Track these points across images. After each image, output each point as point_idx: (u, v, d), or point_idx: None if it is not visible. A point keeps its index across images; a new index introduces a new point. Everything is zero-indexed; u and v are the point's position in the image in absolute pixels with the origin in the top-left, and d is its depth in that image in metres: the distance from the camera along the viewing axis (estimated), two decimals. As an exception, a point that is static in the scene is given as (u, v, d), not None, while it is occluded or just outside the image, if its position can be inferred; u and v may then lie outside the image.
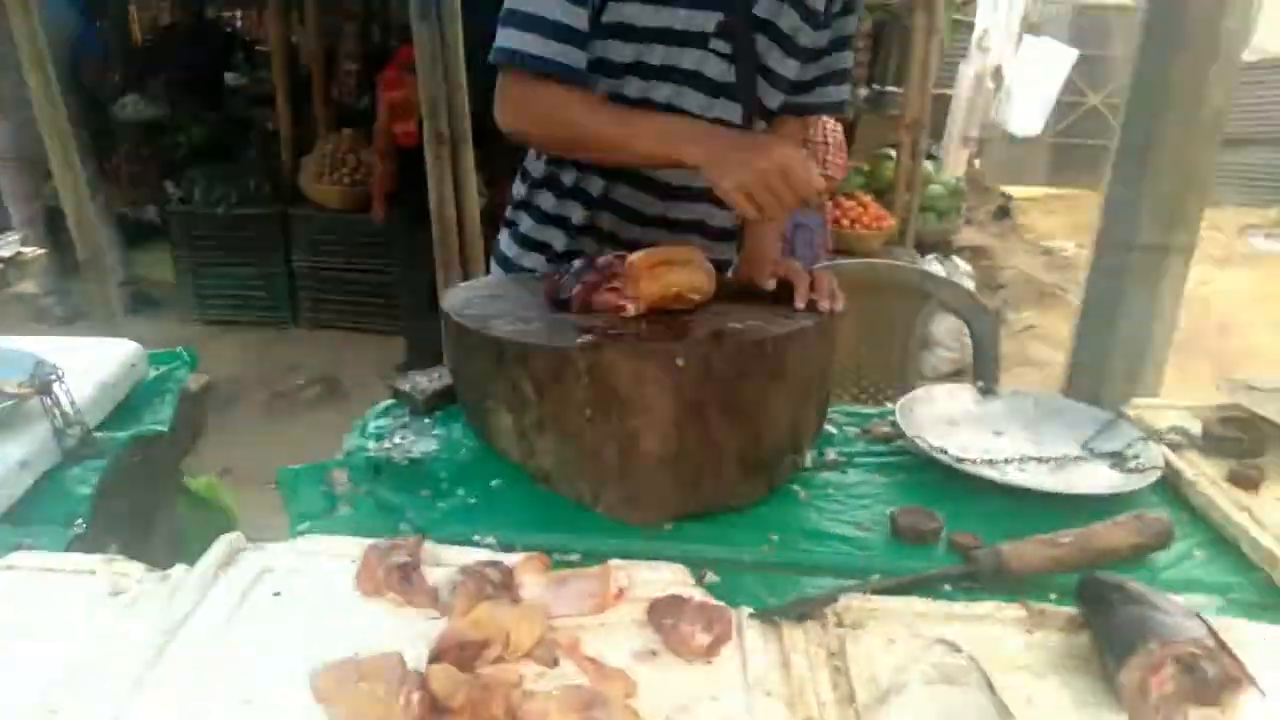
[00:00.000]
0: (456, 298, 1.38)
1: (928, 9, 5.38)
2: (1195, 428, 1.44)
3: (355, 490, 1.19)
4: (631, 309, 1.24)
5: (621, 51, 1.45)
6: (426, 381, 1.48)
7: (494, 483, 1.25)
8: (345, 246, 5.67)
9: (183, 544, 1.60)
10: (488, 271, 1.81)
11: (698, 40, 1.45)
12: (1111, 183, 2.04)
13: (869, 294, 2.13)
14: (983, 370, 1.98)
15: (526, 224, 1.68)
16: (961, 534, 1.17)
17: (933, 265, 5.21)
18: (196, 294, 5.84)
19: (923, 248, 5.78)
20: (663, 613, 0.92)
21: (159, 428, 1.37)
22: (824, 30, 1.57)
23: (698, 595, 0.97)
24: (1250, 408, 1.46)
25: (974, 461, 1.32)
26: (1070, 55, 8.36)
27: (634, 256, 1.25)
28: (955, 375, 4.90)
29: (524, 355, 1.17)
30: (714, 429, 1.17)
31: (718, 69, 1.48)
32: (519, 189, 1.71)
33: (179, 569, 0.96)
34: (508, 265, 1.70)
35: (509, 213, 1.74)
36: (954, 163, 7.23)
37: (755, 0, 1.47)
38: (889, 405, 1.54)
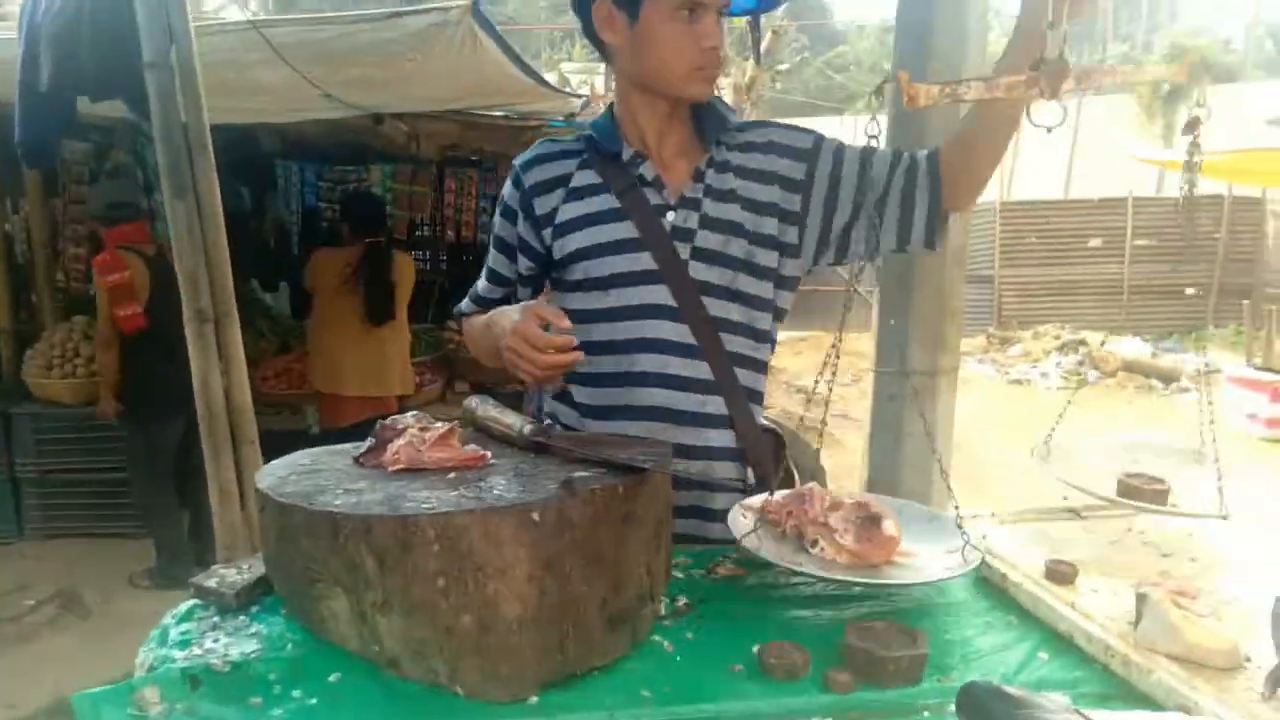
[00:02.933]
0: (271, 476, 1.26)
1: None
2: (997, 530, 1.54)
3: (171, 710, 1.01)
4: None
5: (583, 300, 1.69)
6: (235, 574, 1.32)
7: (332, 677, 1.11)
8: (79, 445, 5.14)
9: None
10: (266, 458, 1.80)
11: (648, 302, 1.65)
12: (880, 315, 2.22)
13: None
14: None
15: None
16: (835, 671, 1.16)
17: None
18: (-105, 515, 5.04)
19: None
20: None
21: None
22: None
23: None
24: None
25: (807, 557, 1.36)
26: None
27: None
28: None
29: (366, 528, 1.07)
30: (574, 582, 1.11)
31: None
32: None
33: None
34: None
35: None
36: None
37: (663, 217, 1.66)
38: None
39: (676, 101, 1.66)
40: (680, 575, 1.45)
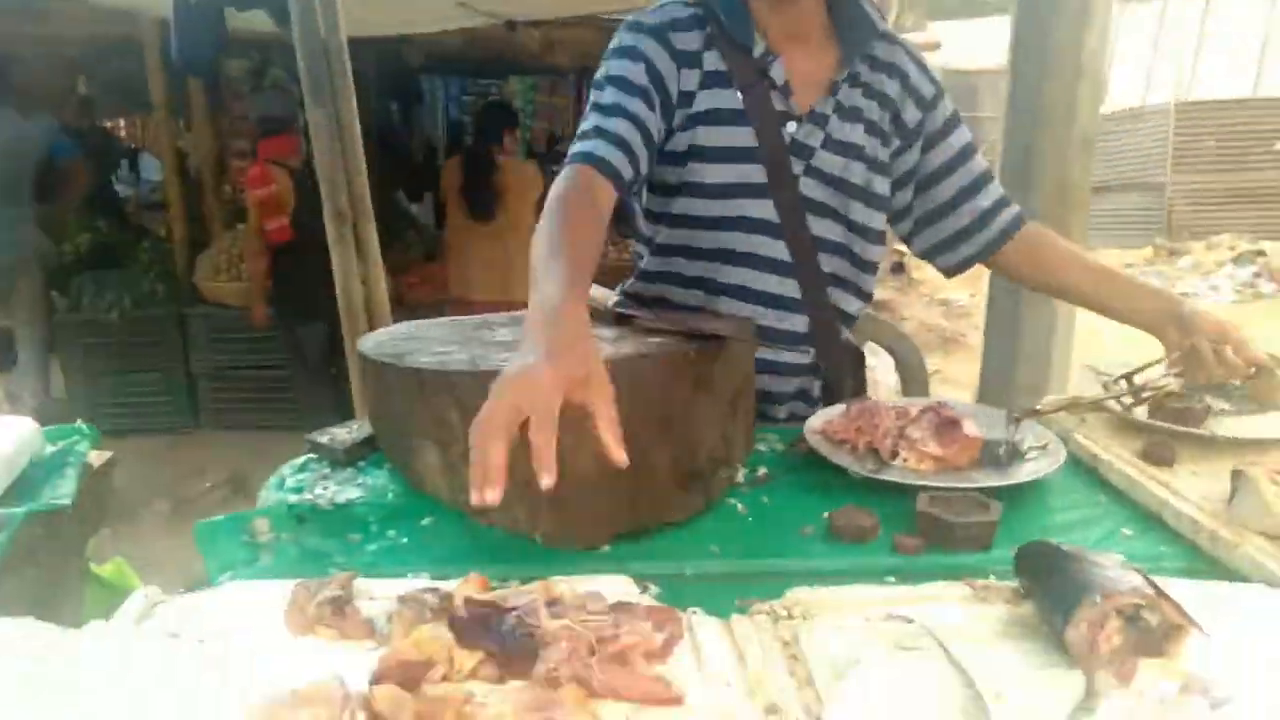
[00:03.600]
0: (372, 341, 1.35)
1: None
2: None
3: (278, 539, 1.13)
4: None
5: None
6: (345, 433, 1.43)
7: (425, 521, 1.21)
8: (246, 344, 5.55)
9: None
10: None
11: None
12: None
13: None
14: (913, 393, 2.03)
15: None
16: (904, 535, 1.17)
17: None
18: (90, 405, 5.59)
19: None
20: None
21: (61, 503, 1.29)
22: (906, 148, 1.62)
23: (645, 601, 0.95)
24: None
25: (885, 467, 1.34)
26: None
27: None
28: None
29: (448, 383, 1.14)
30: (646, 443, 1.15)
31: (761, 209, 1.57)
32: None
33: (93, 625, 0.89)
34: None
35: None
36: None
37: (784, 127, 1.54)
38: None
39: None
40: (764, 449, 1.48)
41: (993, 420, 1.47)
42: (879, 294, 8.79)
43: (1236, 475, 1.17)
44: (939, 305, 9.09)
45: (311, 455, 1.42)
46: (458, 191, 4.99)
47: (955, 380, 6.20)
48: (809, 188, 1.57)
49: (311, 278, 4.15)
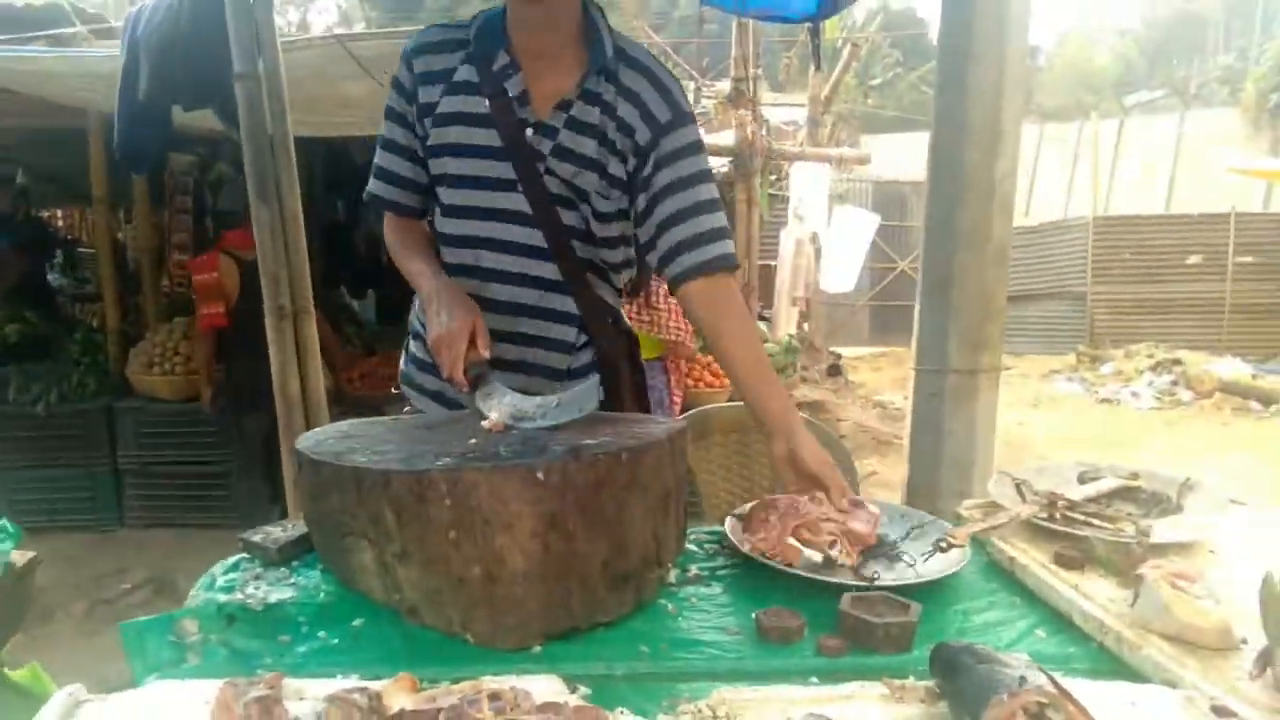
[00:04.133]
0: (310, 439, 1.37)
1: (747, 186, 5.85)
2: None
3: (207, 639, 1.13)
4: None
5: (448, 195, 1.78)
6: (280, 531, 1.44)
7: (356, 622, 1.21)
8: (176, 439, 5.44)
9: (0, 741, 1.44)
10: None
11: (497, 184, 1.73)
12: (921, 314, 2.24)
13: (738, 435, 2.27)
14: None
15: (416, 346, 1.90)
16: (827, 637, 1.20)
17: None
18: (7, 500, 5.39)
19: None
20: None
21: (-22, 602, 1.26)
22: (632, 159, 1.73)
23: (573, 701, 0.96)
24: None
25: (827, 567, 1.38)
26: (874, 220, 9.28)
27: None
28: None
29: (386, 481, 1.16)
30: (578, 541, 1.18)
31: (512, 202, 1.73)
32: (413, 314, 1.90)
33: (9, 728, 0.88)
34: (410, 382, 1.92)
35: (409, 338, 1.95)
36: (785, 323, 7.69)
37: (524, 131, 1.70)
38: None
39: (549, 10, 1.68)
40: (696, 549, 1.51)
41: (909, 520, 1.55)
42: (814, 395, 8.97)
43: (1138, 579, 1.23)
44: (875, 408, 9.28)
45: (244, 554, 1.41)
46: None
47: (889, 483, 6.29)
48: (553, 185, 1.72)
49: (254, 368, 4.12)
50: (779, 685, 1.04)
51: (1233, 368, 10.68)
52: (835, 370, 10.06)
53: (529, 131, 1.70)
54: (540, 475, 1.15)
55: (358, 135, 6.41)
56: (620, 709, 0.96)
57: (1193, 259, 13.46)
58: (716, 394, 5.33)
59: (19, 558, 1.45)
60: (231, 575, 1.36)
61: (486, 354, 1.53)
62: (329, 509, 1.27)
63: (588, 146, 1.70)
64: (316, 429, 1.46)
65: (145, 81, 3.41)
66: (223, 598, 1.26)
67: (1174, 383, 10.60)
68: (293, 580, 1.34)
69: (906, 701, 1.01)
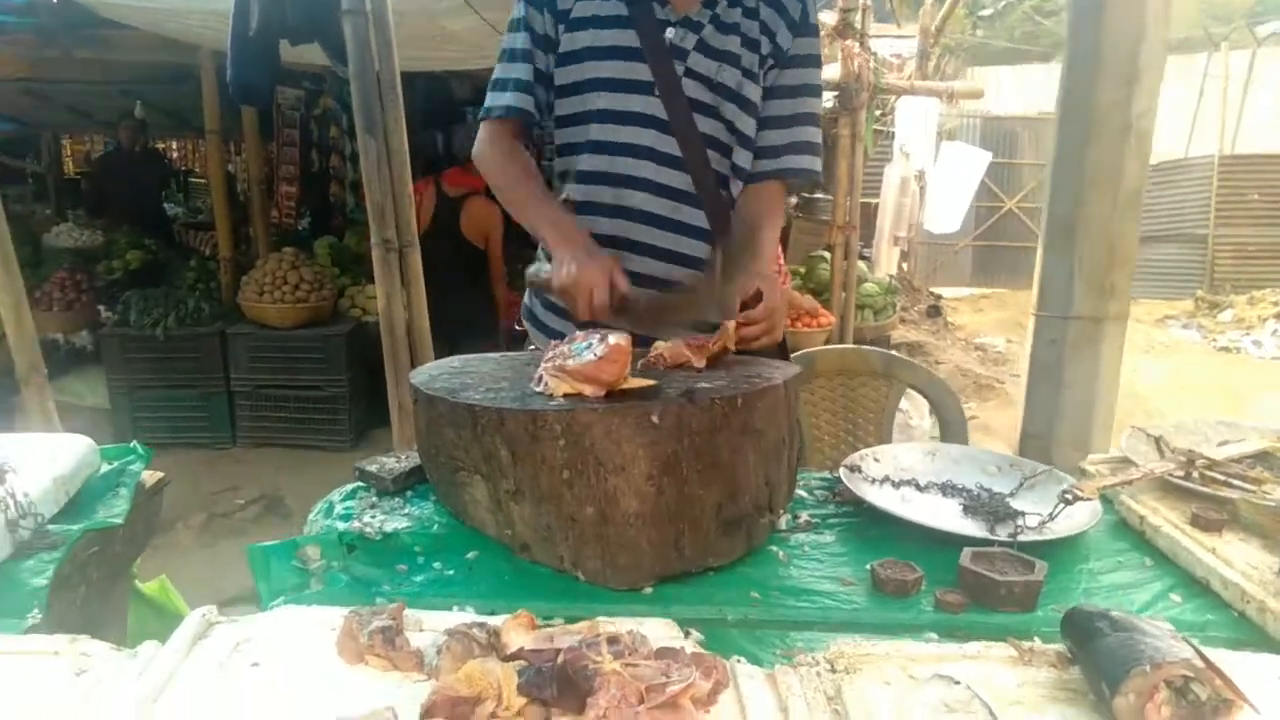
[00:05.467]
0: (423, 374, 1.38)
1: (851, 120, 5.66)
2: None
3: (328, 566, 1.15)
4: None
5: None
6: (394, 462, 1.46)
7: (470, 555, 1.23)
8: (285, 363, 5.63)
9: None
10: None
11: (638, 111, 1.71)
12: (1044, 257, 2.13)
13: (842, 379, 2.22)
14: (952, 438, 2.02)
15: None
16: (946, 591, 1.17)
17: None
18: (131, 417, 5.69)
19: (861, 344, 5.93)
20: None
21: (114, 521, 1.32)
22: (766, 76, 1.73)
23: (689, 647, 0.96)
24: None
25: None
26: (984, 158, 8.83)
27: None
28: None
29: (500, 419, 1.16)
30: (691, 485, 1.17)
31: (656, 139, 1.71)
32: (540, 252, 1.84)
33: (148, 645, 0.92)
34: (533, 319, 1.93)
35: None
36: (885, 263, 7.49)
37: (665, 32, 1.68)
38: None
39: None
40: (806, 494, 1.49)
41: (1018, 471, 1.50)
42: (913, 336, 8.76)
43: (1286, 544, 1.16)
44: (975, 350, 9.02)
45: (360, 483, 1.44)
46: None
47: (991, 428, 6.14)
48: (690, 88, 1.70)
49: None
50: (898, 639, 1.01)
51: (1368, 318, 10.01)
52: (935, 311, 9.80)
53: (670, 32, 1.69)
54: (655, 419, 1.13)
55: (458, 69, 6.42)
56: (736, 657, 0.95)
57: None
58: (815, 335, 5.24)
59: (149, 478, 1.51)
60: (349, 503, 1.39)
61: (626, 290, 1.51)
62: (443, 444, 1.28)
63: (731, 43, 1.71)
64: (430, 363, 1.47)
65: (256, 18, 3.45)
66: (341, 525, 1.29)
67: (1301, 331, 10.00)
68: (407, 510, 1.36)
69: (1035, 665, 0.97)
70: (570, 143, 1.79)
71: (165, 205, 8.52)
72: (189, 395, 5.70)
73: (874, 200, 7.93)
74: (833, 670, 0.95)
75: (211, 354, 5.64)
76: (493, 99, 1.77)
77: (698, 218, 1.74)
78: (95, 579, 1.31)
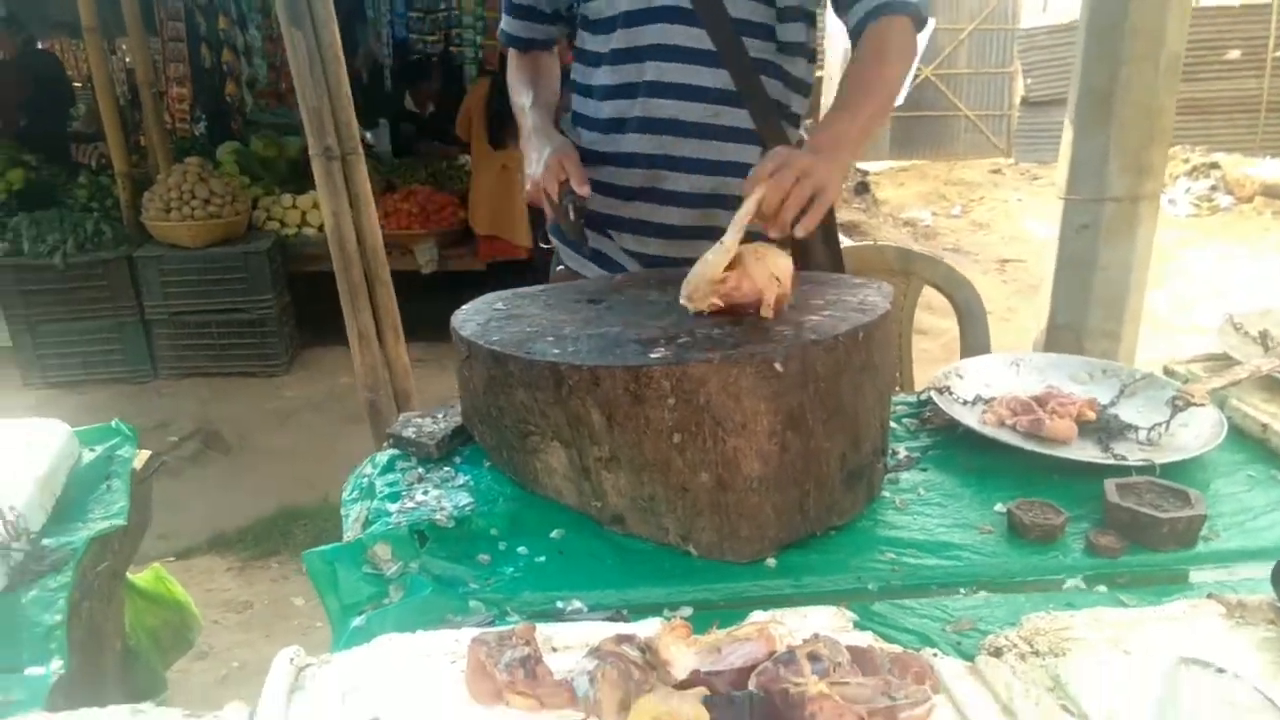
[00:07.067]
0: (471, 323, 1.17)
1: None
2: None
3: (404, 569, 0.97)
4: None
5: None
6: (430, 423, 1.26)
7: (555, 534, 1.06)
8: (203, 286, 5.23)
9: (139, 654, 1.32)
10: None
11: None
12: (1075, 136, 1.99)
13: (904, 276, 2.05)
14: (975, 338, 1.90)
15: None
16: (1099, 533, 1.05)
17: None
18: (36, 355, 5.25)
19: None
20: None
21: (117, 523, 1.10)
22: None
23: (873, 642, 0.82)
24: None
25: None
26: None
27: None
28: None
29: (594, 379, 0.98)
30: (817, 438, 1.01)
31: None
32: None
33: (232, 708, 0.73)
34: (562, 235, 1.72)
35: None
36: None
37: None
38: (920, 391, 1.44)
39: None
40: (894, 424, 1.34)
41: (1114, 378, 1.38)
42: (844, 216, 8.66)
43: None
44: (905, 226, 9.00)
45: (395, 451, 1.24)
46: (482, 116, 5.06)
47: (931, 305, 6.11)
48: None
49: None
50: (1092, 609, 0.88)
51: (1275, 169, 10.30)
52: (863, 188, 9.71)
53: None
54: (779, 365, 0.96)
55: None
56: (931, 649, 0.82)
57: (1232, 54, 12.77)
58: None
59: (139, 460, 1.29)
60: (390, 476, 1.19)
61: (584, 192, 1.44)
62: (510, 405, 1.09)
63: None
64: (465, 306, 1.25)
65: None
66: (392, 507, 1.10)
67: (1213, 188, 10.25)
68: (462, 481, 1.17)
69: (1252, 621, 0.86)
70: (595, 50, 1.59)
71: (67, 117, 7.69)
72: (99, 327, 5.26)
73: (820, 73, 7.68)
74: (1036, 654, 0.82)
75: (119, 281, 5.19)
76: (504, 21, 1.76)
77: (741, 118, 1.50)
78: (99, 588, 1.10)
